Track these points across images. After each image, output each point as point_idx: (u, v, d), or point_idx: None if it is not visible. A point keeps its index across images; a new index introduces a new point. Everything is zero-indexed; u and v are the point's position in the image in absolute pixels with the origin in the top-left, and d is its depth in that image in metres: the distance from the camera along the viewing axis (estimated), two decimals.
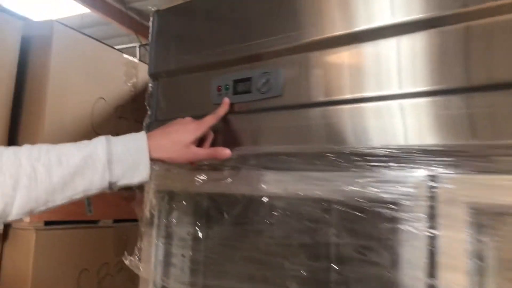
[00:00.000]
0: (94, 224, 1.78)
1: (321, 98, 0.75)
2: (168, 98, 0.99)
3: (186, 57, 0.94)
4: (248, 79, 0.84)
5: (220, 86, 0.89)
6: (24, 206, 0.68)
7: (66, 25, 1.65)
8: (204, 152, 0.82)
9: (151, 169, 0.77)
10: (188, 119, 0.84)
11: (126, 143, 0.76)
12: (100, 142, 0.74)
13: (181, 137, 0.80)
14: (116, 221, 1.88)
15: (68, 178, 0.70)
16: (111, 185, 0.74)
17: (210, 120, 0.84)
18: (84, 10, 3.13)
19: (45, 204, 0.69)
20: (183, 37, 0.96)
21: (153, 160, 0.77)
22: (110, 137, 0.76)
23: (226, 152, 0.82)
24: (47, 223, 1.54)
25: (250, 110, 0.84)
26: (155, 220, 0.93)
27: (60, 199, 0.70)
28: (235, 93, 0.86)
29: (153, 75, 1.01)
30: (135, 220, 2.03)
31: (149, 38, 1.03)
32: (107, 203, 1.84)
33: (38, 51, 1.56)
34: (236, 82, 0.86)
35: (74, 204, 1.68)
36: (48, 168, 0.69)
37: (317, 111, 0.76)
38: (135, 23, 3.42)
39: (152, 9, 0.99)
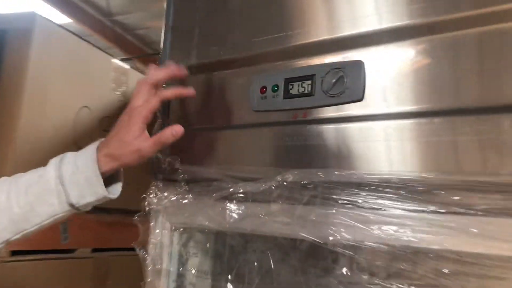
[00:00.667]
0: (70, 253, 1.51)
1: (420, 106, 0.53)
2: (186, 105, 0.75)
3: (214, 49, 0.71)
4: (309, 77, 0.61)
5: (265, 87, 0.65)
6: None
7: (50, 20, 1.40)
8: (148, 144, 0.66)
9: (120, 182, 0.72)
10: (135, 104, 0.68)
11: (76, 161, 0.69)
12: (53, 164, 0.70)
13: (123, 136, 0.68)
14: (95, 250, 1.62)
15: (28, 207, 0.69)
16: (73, 207, 0.69)
17: (152, 103, 0.67)
18: (66, 20, 2.95)
19: (18, 233, 0.70)
20: (210, 23, 0.73)
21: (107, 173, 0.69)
22: (65, 155, 0.71)
23: (175, 130, 0.66)
24: (15, 252, 1.28)
25: (311, 120, 0.61)
26: (164, 267, 0.68)
27: (30, 226, 0.70)
28: (288, 96, 0.63)
29: None
30: (118, 249, 1.75)
31: (164, 23, 0.79)
32: (86, 229, 1.59)
33: (15, 46, 1.31)
34: (290, 81, 0.63)
35: (48, 230, 1.43)
36: (9, 198, 0.69)
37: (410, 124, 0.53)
38: (118, 36, 3.28)
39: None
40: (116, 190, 0.71)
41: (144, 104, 0.67)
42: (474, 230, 0.47)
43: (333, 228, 0.53)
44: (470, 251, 0.47)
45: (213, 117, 0.70)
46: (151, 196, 0.71)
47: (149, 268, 0.69)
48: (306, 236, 0.53)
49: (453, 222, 0.49)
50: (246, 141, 0.67)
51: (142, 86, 0.68)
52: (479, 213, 0.47)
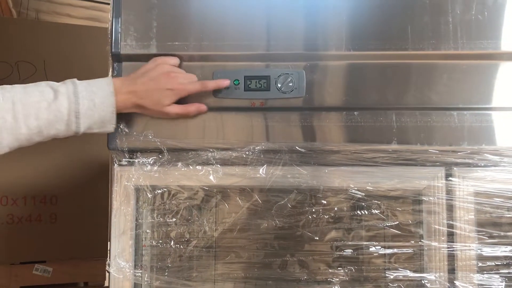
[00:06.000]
0: None
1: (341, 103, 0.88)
2: None
3: (177, 44, 0.88)
4: (265, 77, 0.87)
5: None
6: None
7: None
8: (175, 111, 0.85)
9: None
10: (170, 72, 0.84)
11: (93, 98, 0.80)
12: (65, 94, 0.78)
13: (158, 99, 0.83)
14: None
15: (36, 130, 0.77)
16: (76, 133, 0.81)
17: (196, 88, 0.85)
18: None
19: (16, 148, 0.79)
20: (170, 21, 0.88)
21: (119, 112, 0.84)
22: (75, 85, 0.80)
23: (201, 107, 0.86)
24: None
25: (267, 107, 0.88)
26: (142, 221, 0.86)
27: (30, 144, 0.80)
28: (247, 89, 0.88)
29: (118, 56, 0.89)
30: None
31: (112, 1, 0.89)
32: None
33: None
34: (249, 78, 0.87)
35: None
36: (16, 119, 0.75)
37: (336, 114, 0.87)
38: None
39: None
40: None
41: (189, 86, 0.85)
42: None
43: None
44: None
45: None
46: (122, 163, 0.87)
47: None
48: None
49: None
50: (209, 120, 0.89)
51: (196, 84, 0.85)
52: None
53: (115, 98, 0.81)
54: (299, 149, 0.86)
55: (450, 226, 0.85)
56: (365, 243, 0.88)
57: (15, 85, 0.79)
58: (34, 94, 0.78)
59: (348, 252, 0.88)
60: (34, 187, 1.73)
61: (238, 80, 0.88)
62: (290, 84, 0.87)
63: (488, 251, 0.85)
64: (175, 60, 0.87)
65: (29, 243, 1.73)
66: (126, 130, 0.87)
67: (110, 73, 0.90)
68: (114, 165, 0.88)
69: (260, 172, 0.87)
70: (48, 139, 0.81)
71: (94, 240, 1.78)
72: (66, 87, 0.80)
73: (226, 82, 0.87)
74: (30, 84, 0.80)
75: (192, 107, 0.86)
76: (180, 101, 0.86)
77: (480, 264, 0.85)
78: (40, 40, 1.86)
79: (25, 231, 1.72)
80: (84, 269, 1.82)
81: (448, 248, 0.85)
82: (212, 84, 0.86)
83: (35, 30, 1.89)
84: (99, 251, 1.78)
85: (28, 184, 1.73)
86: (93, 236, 1.79)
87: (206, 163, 0.87)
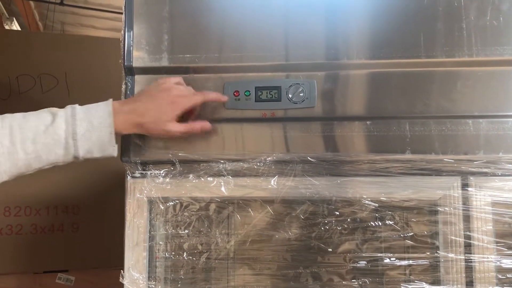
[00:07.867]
0: None
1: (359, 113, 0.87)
2: None
3: (188, 56, 0.88)
4: (276, 88, 0.87)
5: (237, 91, 0.88)
6: None
7: None
8: (179, 129, 0.82)
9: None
10: (171, 88, 0.82)
11: (91, 119, 0.78)
12: (63, 117, 0.77)
13: (160, 115, 0.80)
14: None
15: (33, 155, 0.75)
16: (76, 158, 0.79)
17: (197, 99, 0.84)
18: None
19: (16, 175, 0.77)
20: (182, 35, 0.89)
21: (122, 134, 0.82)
22: (74, 109, 0.79)
23: (205, 126, 0.85)
24: None
25: (279, 118, 0.87)
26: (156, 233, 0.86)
27: (29, 171, 0.78)
28: (258, 100, 0.87)
29: (130, 69, 0.90)
30: None
31: (124, 15, 0.90)
32: None
33: None
34: (259, 89, 0.87)
35: None
36: (13, 143, 0.74)
37: (348, 124, 0.86)
38: None
39: None
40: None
41: (190, 97, 0.83)
42: None
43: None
44: None
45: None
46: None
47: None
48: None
49: None
50: (220, 132, 0.89)
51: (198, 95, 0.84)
52: None
53: (114, 118, 0.79)
54: (311, 159, 0.86)
55: (467, 237, 0.83)
56: (379, 254, 0.87)
57: (16, 113, 0.78)
58: (32, 119, 0.77)
59: (362, 263, 0.87)
60: (56, 197, 1.77)
61: (249, 91, 0.88)
62: (301, 94, 0.87)
63: (507, 262, 0.82)
64: (178, 79, 0.86)
65: (52, 252, 1.76)
66: (139, 142, 0.88)
67: (123, 87, 0.91)
68: (127, 177, 0.89)
69: (272, 183, 0.86)
70: (49, 166, 0.79)
71: (116, 249, 1.79)
72: (65, 111, 0.79)
73: (224, 98, 0.87)
74: (32, 112, 0.79)
75: (197, 125, 0.84)
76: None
77: (499, 277, 0.82)
78: (63, 52, 1.90)
79: (48, 241, 1.75)
80: (105, 278, 1.83)
81: (466, 259, 0.83)
82: (213, 95, 0.86)
83: (58, 43, 1.93)
84: (120, 260, 1.80)
85: (51, 194, 1.76)
86: (114, 245, 1.80)
87: (217, 174, 0.87)
